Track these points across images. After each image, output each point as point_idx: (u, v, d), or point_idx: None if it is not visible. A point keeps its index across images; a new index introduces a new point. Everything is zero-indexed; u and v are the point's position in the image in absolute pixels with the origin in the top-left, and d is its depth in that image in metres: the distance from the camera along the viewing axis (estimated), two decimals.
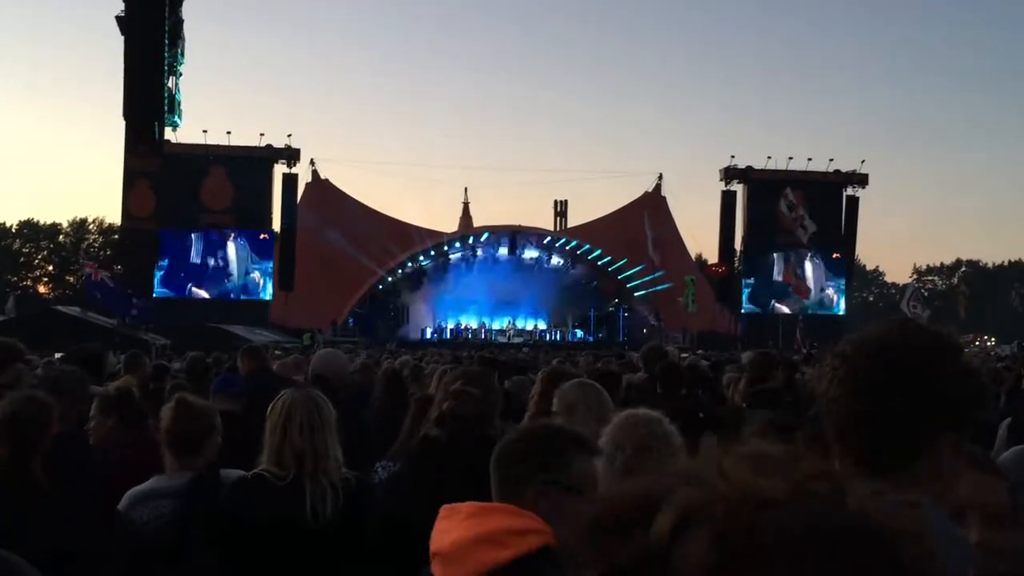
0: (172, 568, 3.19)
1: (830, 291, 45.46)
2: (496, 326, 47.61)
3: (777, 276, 44.91)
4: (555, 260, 47.84)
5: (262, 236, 41.56)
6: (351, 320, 43.36)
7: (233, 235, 41.29)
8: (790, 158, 44.82)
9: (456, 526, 1.84)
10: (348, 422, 3.90)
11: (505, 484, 1.95)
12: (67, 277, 69.04)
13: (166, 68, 39.59)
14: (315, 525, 3.00)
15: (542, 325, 48.98)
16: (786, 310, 43.38)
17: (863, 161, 45.45)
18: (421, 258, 46.17)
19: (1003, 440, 4.61)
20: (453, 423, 3.27)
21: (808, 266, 45.30)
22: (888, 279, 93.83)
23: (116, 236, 56.49)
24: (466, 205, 60.03)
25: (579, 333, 48.41)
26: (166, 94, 39.82)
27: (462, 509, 1.88)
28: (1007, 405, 6.30)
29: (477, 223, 55.73)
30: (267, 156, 41.51)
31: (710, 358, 14.43)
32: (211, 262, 41.41)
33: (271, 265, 41.37)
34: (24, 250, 68.97)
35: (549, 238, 48.76)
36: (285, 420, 3.11)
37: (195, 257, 40.98)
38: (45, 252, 69.75)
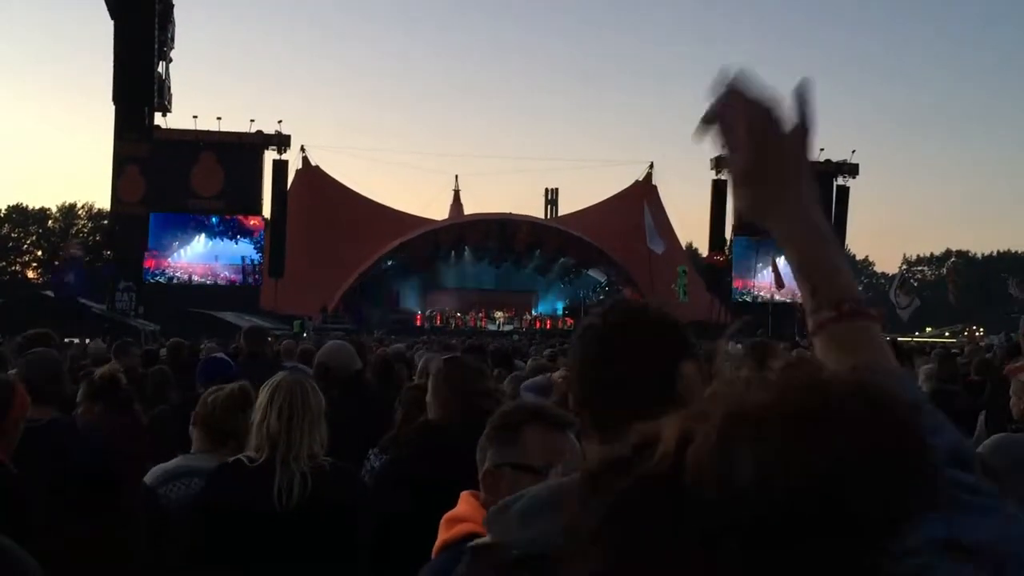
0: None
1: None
2: (486, 314, 47.63)
3: (764, 266, 44.99)
4: (546, 248, 47.79)
5: (252, 222, 41.48)
6: (341, 307, 43.34)
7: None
8: None
9: None
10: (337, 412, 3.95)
11: (480, 469, 1.99)
12: (56, 262, 68.64)
13: (156, 53, 39.31)
14: (280, 511, 2.95)
15: (532, 313, 49.03)
16: (775, 299, 43.46)
17: (853, 151, 45.44)
18: (411, 246, 46.08)
19: (981, 429, 4.77)
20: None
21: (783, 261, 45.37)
22: (878, 269, 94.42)
23: (105, 222, 56.23)
24: (457, 193, 60.05)
25: (569, 321, 48.46)
26: (156, 79, 39.55)
27: None
28: (988, 396, 6.40)
29: (468, 211, 55.69)
30: (257, 142, 41.29)
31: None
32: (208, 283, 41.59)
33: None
34: (13, 235, 68.51)
35: (540, 226, 48.72)
36: (267, 402, 3.08)
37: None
38: (34, 237, 69.29)
